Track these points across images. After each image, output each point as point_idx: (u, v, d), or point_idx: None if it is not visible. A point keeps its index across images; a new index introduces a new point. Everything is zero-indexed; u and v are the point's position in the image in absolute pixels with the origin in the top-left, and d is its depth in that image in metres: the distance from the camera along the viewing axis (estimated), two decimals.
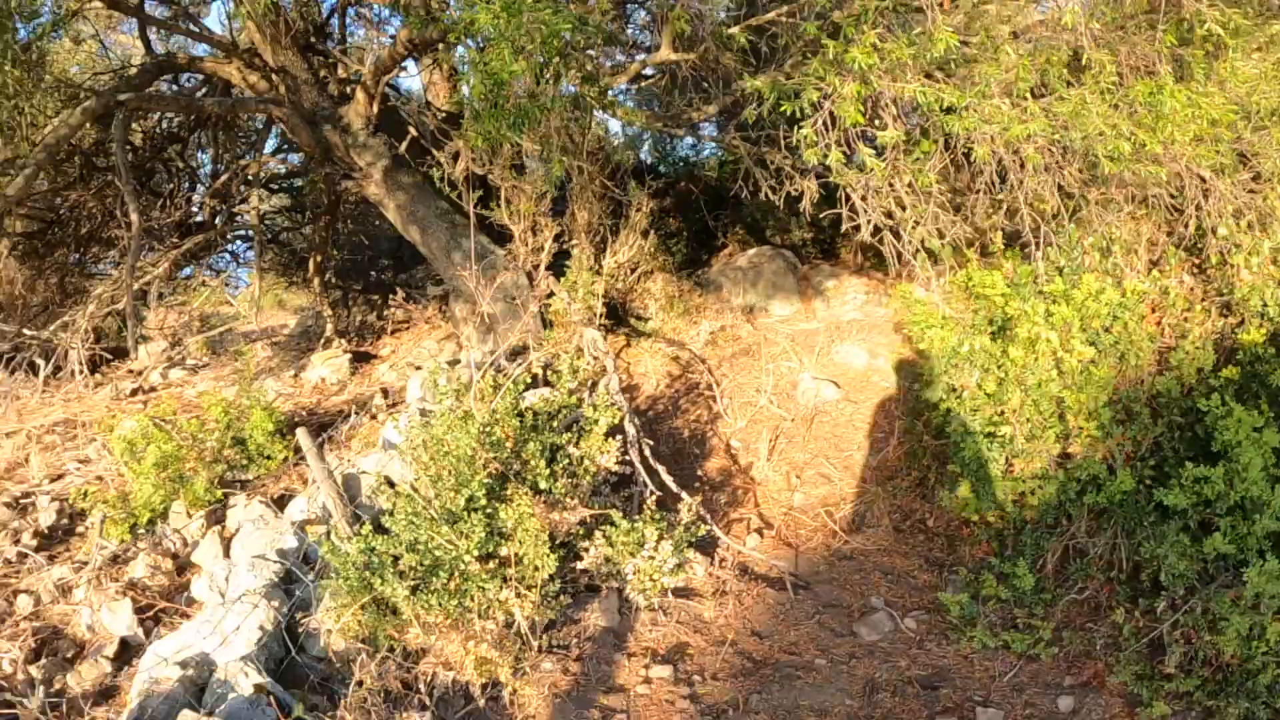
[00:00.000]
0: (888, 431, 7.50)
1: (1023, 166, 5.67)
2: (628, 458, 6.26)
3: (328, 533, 5.62)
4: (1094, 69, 5.37)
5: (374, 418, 7.89)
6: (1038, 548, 5.96)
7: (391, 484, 6.11)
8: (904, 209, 5.85)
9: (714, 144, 8.84)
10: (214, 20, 19.86)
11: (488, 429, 5.62)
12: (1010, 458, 5.88)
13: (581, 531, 5.74)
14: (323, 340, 10.12)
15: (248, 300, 9.31)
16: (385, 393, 8.40)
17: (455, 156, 7.60)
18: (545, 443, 5.82)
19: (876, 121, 5.47)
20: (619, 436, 6.14)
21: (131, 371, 10.56)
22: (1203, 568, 5.20)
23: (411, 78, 12.01)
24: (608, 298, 8.05)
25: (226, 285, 10.68)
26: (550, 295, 7.78)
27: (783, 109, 5.44)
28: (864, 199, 5.90)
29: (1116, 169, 5.40)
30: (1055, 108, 5.30)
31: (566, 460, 5.87)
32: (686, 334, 8.65)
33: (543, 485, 5.58)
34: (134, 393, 9.61)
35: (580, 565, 5.69)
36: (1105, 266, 6.24)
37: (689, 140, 11.94)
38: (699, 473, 7.35)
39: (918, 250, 5.92)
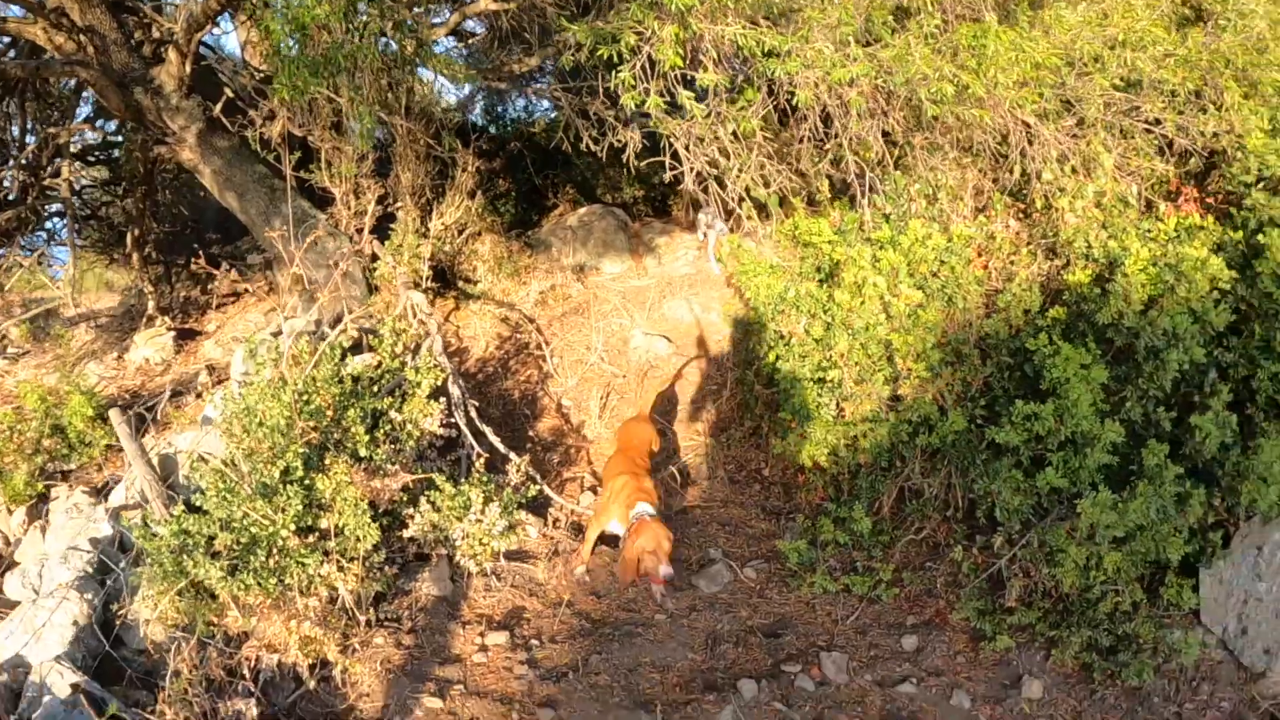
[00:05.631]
0: (720, 384, 7.44)
1: (847, 112, 5.59)
2: (453, 420, 6.00)
3: (142, 517, 5.25)
4: (918, 14, 5.33)
5: (199, 396, 7.46)
6: (873, 490, 5.93)
7: (207, 461, 5.72)
8: (728, 157, 5.71)
9: (544, 101, 8.50)
10: None
11: (304, 397, 5.26)
12: (840, 402, 5.81)
13: (406, 499, 5.41)
14: (145, 319, 9.55)
15: (67, 282, 8.65)
16: (211, 369, 7.96)
17: (271, 116, 7.17)
18: (366, 408, 5.50)
19: (699, 69, 5.29)
20: (444, 399, 5.86)
21: None
22: (1037, 502, 5.24)
23: (229, 34, 11.34)
24: (435, 261, 7.82)
25: (40, 264, 9.93)
26: (374, 259, 7.48)
27: (600, 54, 5.20)
28: (687, 148, 5.74)
29: (939, 112, 5.37)
30: (879, 53, 5.22)
31: (389, 426, 5.56)
32: (516, 295, 8.50)
33: (363, 452, 5.25)
34: None
35: (407, 533, 5.40)
36: (932, 213, 6.22)
37: (521, 101, 11.67)
38: (530, 433, 7.15)
39: (742, 199, 5.79)
